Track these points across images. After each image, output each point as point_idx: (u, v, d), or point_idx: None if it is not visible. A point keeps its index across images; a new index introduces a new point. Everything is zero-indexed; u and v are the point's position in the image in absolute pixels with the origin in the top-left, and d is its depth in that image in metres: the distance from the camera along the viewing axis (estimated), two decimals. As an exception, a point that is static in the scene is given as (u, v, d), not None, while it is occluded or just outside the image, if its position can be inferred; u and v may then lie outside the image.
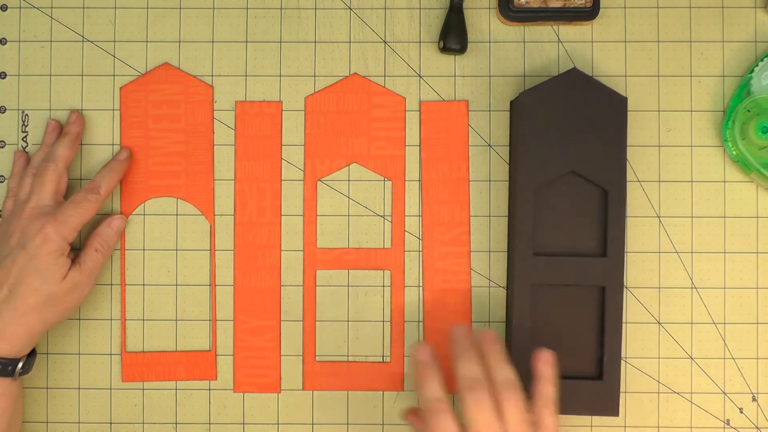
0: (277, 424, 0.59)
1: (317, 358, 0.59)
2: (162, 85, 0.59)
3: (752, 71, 0.57)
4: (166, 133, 0.59)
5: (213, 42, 0.59)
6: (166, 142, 0.59)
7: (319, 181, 0.59)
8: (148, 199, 0.59)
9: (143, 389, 0.59)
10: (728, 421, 0.58)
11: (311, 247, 0.59)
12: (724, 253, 0.58)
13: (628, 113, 0.57)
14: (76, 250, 0.58)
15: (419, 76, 0.59)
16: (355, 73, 0.59)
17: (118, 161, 0.58)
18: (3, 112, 0.59)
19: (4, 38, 0.59)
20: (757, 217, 0.58)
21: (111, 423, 0.59)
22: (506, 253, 0.59)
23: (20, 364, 0.53)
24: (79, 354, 0.59)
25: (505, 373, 0.48)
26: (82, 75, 0.59)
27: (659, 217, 0.58)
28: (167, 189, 0.59)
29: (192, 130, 0.59)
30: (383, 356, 0.59)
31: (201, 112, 0.59)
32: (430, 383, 0.49)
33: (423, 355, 0.51)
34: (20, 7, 0.59)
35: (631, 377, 0.58)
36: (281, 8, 0.59)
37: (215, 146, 0.59)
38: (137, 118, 0.59)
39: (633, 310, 0.58)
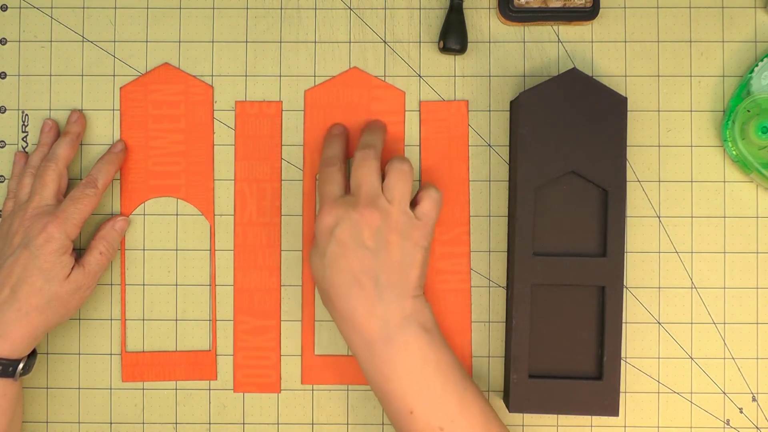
0: (277, 424, 0.59)
1: (316, 353, 0.59)
2: (162, 85, 0.59)
3: (752, 71, 0.57)
4: (167, 133, 0.59)
5: (213, 42, 0.59)
6: (166, 142, 0.59)
7: (318, 182, 0.59)
8: (148, 199, 0.59)
9: (143, 389, 0.59)
10: (728, 421, 0.58)
11: (311, 243, 0.59)
12: (724, 253, 0.58)
13: (628, 113, 0.57)
14: (77, 250, 0.58)
15: (419, 76, 0.59)
16: (354, 67, 0.59)
17: (114, 153, 0.58)
18: (3, 112, 0.59)
19: (4, 38, 0.59)
20: (757, 217, 0.58)
21: (111, 423, 0.59)
22: (506, 253, 0.59)
23: (21, 365, 0.53)
24: (79, 354, 0.59)
25: (369, 142, 0.54)
26: (82, 75, 0.59)
27: (659, 217, 0.58)
28: (167, 189, 0.59)
29: (192, 130, 0.59)
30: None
31: (201, 112, 0.59)
32: (333, 146, 0.56)
33: (337, 129, 0.57)
34: (20, 7, 0.59)
35: (631, 377, 0.58)
36: (281, 8, 0.59)
37: (215, 146, 0.59)
38: (137, 118, 0.59)
39: (633, 310, 0.58)
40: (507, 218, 0.59)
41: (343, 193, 0.53)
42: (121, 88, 0.59)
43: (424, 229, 0.52)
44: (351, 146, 0.58)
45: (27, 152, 0.59)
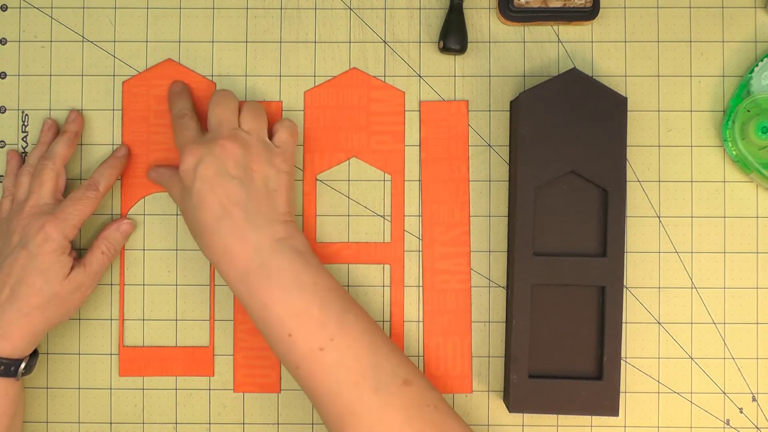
0: (277, 424, 0.59)
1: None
2: (165, 81, 0.59)
3: (752, 71, 0.57)
4: (168, 128, 0.59)
5: (213, 42, 0.59)
6: (167, 137, 0.59)
7: (318, 181, 0.59)
8: (149, 194, 0.59)
9: (143, 389, 0.59)
10: (728, 421, 0.58)
11: (311, 242, 0.59)
12: (724, 253, 0.58)
13: (628, 113, 0.57)
14: (78, 250, 0.58)
15: (419, 76, 0.59)
16: (354, 68, 0.59)
17: (117, 157, 0.58)
18: (3, 112, 0.59)
19: (4, 38, 0.59)
20: (757, 217, 0.58)
21: (111, 423, 0.59)
22: (506, 253, 0.59)
23: (22, 365, 0.53)
24: (79, 354, 0.59)
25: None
26: (82, 75, 0.59)
27: (659, 217, 0.58)
28: (167, 188, 0.59)
29: (192, 129, 0.59)
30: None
31: (203, 109, 0.59)
32: (179, 100, 0.57)
33: (177, 86, 0.58)
34: (20, 7, 0.59)
35: (631, 377, 0.58)
36: (281, 8, 0.59)
37: (215, 146, 0.59)
38: (139, 113, 0.59)
39: (633, 310, 0.58)
40: (507, 218, 0.59)
41: (199, 136, 0.54)
42: (123, 83, 0.59)
43: (284, 155, 0.53)
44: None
45: (24, 151, 0.59)
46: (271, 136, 0.55)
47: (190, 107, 0.56)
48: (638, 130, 0.58)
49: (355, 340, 0.50)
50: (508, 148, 0.59)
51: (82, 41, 0.59)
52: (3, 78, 0.59)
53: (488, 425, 0.58)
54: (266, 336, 0.51)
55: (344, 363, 0.49)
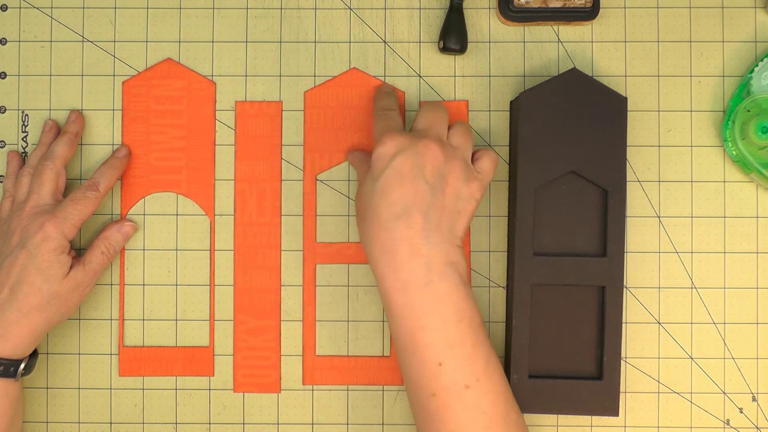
0: (277, 424, 0.59)
1: (317, 353, 0.59)
2: (165, 81, 0.59)
3: (752, 71, 0.57)
4: (168, 128, 0.59)
5: (213, 42, 0.59)
6: (167, 137, 0.59)
7: (318, 181, 0.59)
8: (149, 194, 0.59)
9: (143, 389, 0.59)
10: (728, 421, 0.58)
11: (311, 241, 0.59)
12: (724, 253, 0.58)
13: (628, 113, 0.57)
14: (78, 250, 0.58)
15: (419, 76, 0.59)
16: (354, 68, 0.59)
17: (117, 158, 0.58)
18: (3, 112, 0.59)
19: (4, 38, 0.59)
20: (757, 217, 0.58)
21: (111, 423, 0.59)
22: (506, 253, 0.59)
23: (22, 365, 0.53)
24: (79, 354, 0.59)
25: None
26: (82, 75, 0.59)
27: (659, 217, 0.58)
28: (168, 184, 0.59)
29: (194, 126, 0.59)
30: (383, 351, 0.59)
31: (203, 108, 0.59)
32: (388, 98, 0.56)
33: (388, 87, 0.57)
34: (20, 7, 0.59)
35: (631, 377, 0.58)
36: (281, 8, 0.59)
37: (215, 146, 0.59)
38: (139, 113, 0.59)
39: (633, 310, 0.58)
40: (507, 218, 0.59)
41: (403, 131, 0.51)
42: (123, 83, 0.59)
43: (481, 182, 0.51)
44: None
45: (25, 152, 0.59)
46: (474, 160, 0.53)
47: (397, 107, 0.55)
48: (638, 130, 0.58)
49: (496, 384, 0.49)
50: (508, 148, 0.59)
51: (82, 41, 0.59)
52: (3, 78, 0.59)
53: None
54: (408, 355, 0.49)
55: (483, 405, 0.49)
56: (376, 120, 0.54)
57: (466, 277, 0.50)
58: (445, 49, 0.57)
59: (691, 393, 0.58)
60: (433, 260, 0.48)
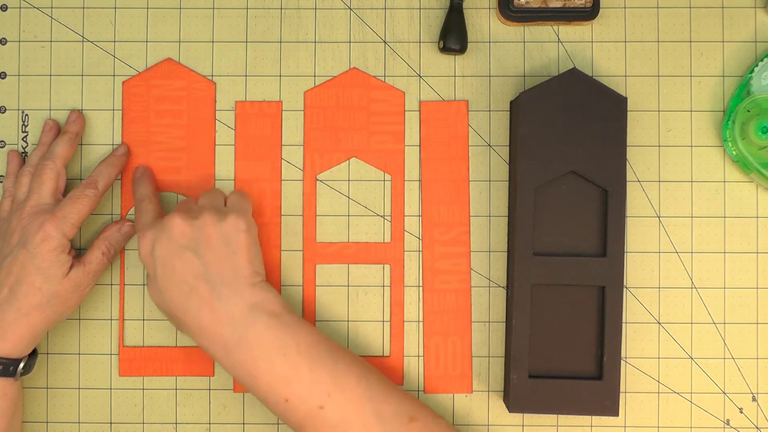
0: (277, 424, 0.59)
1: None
2: (165, 81, 0.59)
3: (752, 71, 0.57)
4: (168, 128, 0.59)
5: (213, 42, 0.59)
6: (167, 137, 0.59)
7: (318, 181, 0.59)
8: (149, 197, 0.59)
9: (143, 389, 0.59)
10: (728, 421, 0.58)
11: (311, 241, 0.59)
12: (724, 253, 0.58)
13: (628, 113, 0.57)
14: (78, 250, 0.58)
15: (419, 76, 0.59)
16: (354, 68, 0.59)
17: (116, 156, 0.58)
18: (3, 112, 0.59)
19: (4, 38, 0.59)
20: (757, 217, 0.58)
21: (111, 423, 0.59)
22: (506, 253, 0.59)
23: (21, 365, 0.53)
24: (79, 354, 0.59)
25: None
26: (82, 75, 0.59)
27: (659, 217, 0.58)
28: (168, 184, 0.59)
29: (194, 126, 0.59)
30: (383, 351, 0.59)
31: (203, 108, 0.59)
32: (141, 185, 0.57)
33: (139, 172, 0.58)
34: (20, 7, 0.59)
35: (631, 377, 0.58)
36: (281, 8, 0.59)
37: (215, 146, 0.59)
38: (139, 113, 0.59)
39: (633, 310, 0.58)
40: (507, 218, 0.59)
41: (156, 220, 0.53)
42: (123, 83, 0.59)
43: (237, 213, 0.52)
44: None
45: (25, 151, 0.59)
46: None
47: (150, 191, 0.56)
48: (638, 130, 0.58)
49: (352, 391, 0.50)
50: (508, 148, 0.59)
51: (82, 41, 0.59)
52: (3, 78, 0.59)
53: (488, 425, 0.58)
54: (263, 402, 0.51)
55: (347, 418, 0.49)
56: (135, 216, 0.55)
57: (279, 307, 0.51)
58: (445, 49, 0.57)
59: (691, 393, 0.58)
60: (234, 315, 0.50)
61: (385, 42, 0.59)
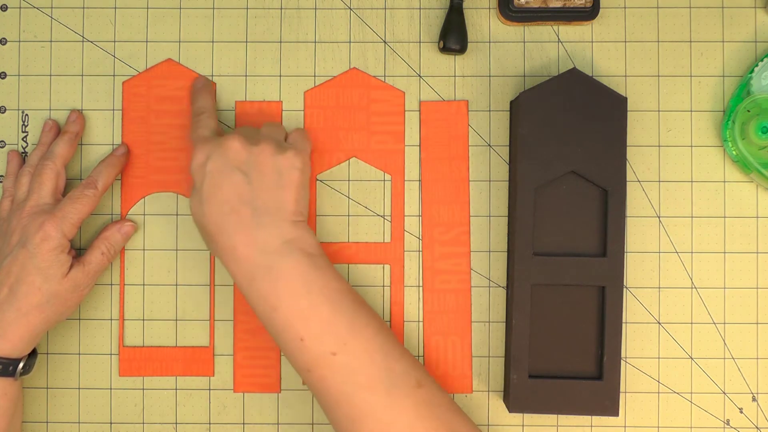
0: (277, 424, 0.59)
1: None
2: (165, 81, 0.59)
3: (752, 71, 0.57)
4: (168, 128, 0.59)
5: (213, 42, 0.59)
6: (167, 137, 0.59)
7: (318, 181, 0.59)
8: (149, 194, 0.59)
9: (143, 389, 0.59)
10: (728, 421, 0.58)
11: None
12: (724, 253, 0.58)
13: (628, 113, 0.57)
14: (78, 250, 0.58)
15: (419, 76, 0.59)
16: (354, 68, 0.59)
17: (116, 156, 0.58)
18: (3, 112, 0.59)
19: (4, 38, 0.59)
20: (757, 217, 0.58)
21: (111, 423, 0.59)
22: (506, 253, 0.59)
23: (21, 364, 0.53)
24: (79, 354, 0.59)
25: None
26: (82, 75, 0.59)
27: (659, 217, 0.58)
28: (168, 184, 0.59)
29: (192, 129, 0.59)
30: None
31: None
32: (200, 97, 0.56)
33: (200, 82, 0.58)
34: (20, 7, 0.59)
35: (631, 377, 0.58)
36: (281, 8, 0.59)
37: (215, 146, 0.59)
38: (139, 113, 0.59)
39: (633, 310, 0.58)
40: (507, 218, 0.59)
41: (214, 135, 0.53)
42: (123, 83, 0.59)
43: (295, 149, 0.52)
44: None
45: (25, 151, 0.59)
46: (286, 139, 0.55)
47: (210, 105, 0.56)
48: (638, 130, 0.58)
49: (367, 342, 0.50)
50: (508, 148, 0.59)
51: (82, 41, 0.59)
52: (3, 78, 0.59)
53: (488, 425, 0.58)
54: (276, 338, 0.51)
55: (357, 367, 0.49)
56: (191, 127, 0.55)
57: (314, 249, 0.51)
58: (445, 49, 0.57)
59: (691, 393, 0.58)
60: (269, 244, 0.50)
61: (385, 42, 0.59)
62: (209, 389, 0.59)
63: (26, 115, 0.59)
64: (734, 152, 0.57)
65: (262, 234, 0.50)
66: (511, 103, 0.58)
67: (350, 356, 0.49)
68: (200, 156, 0.51)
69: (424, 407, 0.49)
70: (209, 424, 0.59)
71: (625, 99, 0.54)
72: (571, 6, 0.57)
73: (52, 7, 0.59)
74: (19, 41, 0.59)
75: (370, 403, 0.48)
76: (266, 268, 0.50)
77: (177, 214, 0.59)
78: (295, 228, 0.51)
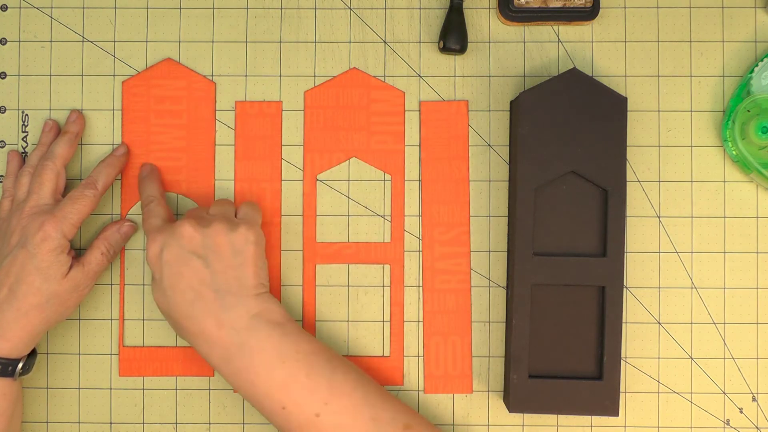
0: (277, 424, 0.59)
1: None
2: (164, 81, 0.59)
3: (752, 71, 0.57)
4: (168, 128, 0.59)
5: (213, 42, 0.59)
6: (167, 137, 0.59)
7: (318, 182, 0.59)
8: (149, 197, 0.59)
9: (143, 389, 0.59)
10: (728, 421, 0.58)
11: (311, 241, 0.59)
12: (724, 253, 0.58)
13: (628, 113, 0.57)
14: (78, 250, 0.58)
15: (419, 76, 0.59)
16: (354, 68, 0.59)
17: (116, 156, 0.58)
18: (3, 112, 0.59)
19: (4, 38, 0.59)
20: (757, 217, 0.58)
21: (111, 423, 0.59)
22: (506, 253, 0.59)
23: (20, 365, 0.53)
24: (79, 354, 0.59)
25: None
26: (82, 75, 0.59)
27: (659, 217, 0.58)
28: (168, 184, 0.59)
29: (194, 126, 0.59)
30: (383, 351, 0.59)
31: (203, 108, 0.59)
32: (148, 185, 0.57)
33: (145, 170, 0.58)
34: (20, 7, 0.59)
35: (631, 377, 0.58)
36: (281, 8, 0.59)
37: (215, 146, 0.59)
38: (139, 113, 0.59)
39: (633, 310, 0.58)
40: (507, 218, 0.59)
41: (166, 223, 0.54)
42: (123, 83, 0.59)
43: (247, 224, 0.53)
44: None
45: (25, 151, 0.59)
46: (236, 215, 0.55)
47: (158, 192, 0.56)
48: (638, 130, 0.58)
49: (349, 398, 0.50)
50: (508, 148, 0.59)
51: (82, 41, 0.59)
52: (3, 78, 0.59)
53: (488, 425, 0.58)
54: (260, 410, 0.51)
55: (342, 424, 0.49)
56: (142, 217, 0.56)
57: (281, 317, 0.52)
58: (445, 49, 0.57)
59: (691, 393, 0.58)
60: (236, 322, 0.51)
61: (385, 42, 0.59)
62: (209, 389, 0.59)
63: (26, 115, 0.59)
64: (734, 152, 0.57)
65: (228, 314, 0.51)
66: (511, 103, 0.58)
67: (334, 415, 0.50)
68: (155, 247, 0.52)
69: None
70: (209, 424, 0.59)
71: (625, 99, 0.54)
72: (571, 6, 0.57)
73: (52, 7, 0.59)
74: (19, 41, 0.59)
75: None
76: (238, 346, 0.50)
77: (177, 214, 0.59)
78: (260, 301, 0.52)
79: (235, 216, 0.54)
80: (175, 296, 0.51)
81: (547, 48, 0.59)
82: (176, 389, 0.59)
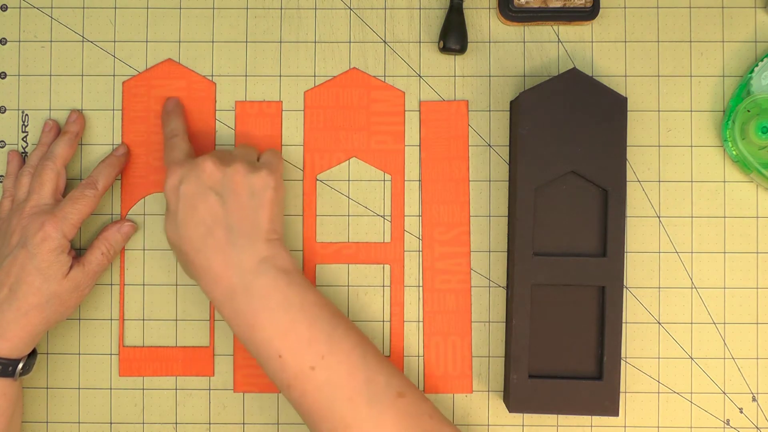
0: (277, 424, 0.59)
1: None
2: (165, 81, 0.59)
3: (752, 71, 0.57)
4: (167, 131, 0.59)
5: (213, 42, 0.59)
6: (167, 139, 0.59)
7: (318, 181, 0.59)
8: (149, 194, 0.59)
9: (143, 389, 0.59)
10: (728, 421, 0.58)
11: (311, 241, 0.59)
12: (724, 253, 0.58)
13: (628, 113, 0.57)
14: (78, 250, 0.58)
15: (419, 76, 0.59)
16: (354, 68, 0.59)
17: (116, 156, 0.58)
18: (3, 112, 0.59)
19: (4, 38, 0.59)
20: (757, 217, 0.58)
21: (111, 423, 0.59)
22: (506, 253, 0.59)
23: (21, 365, 0.53)
24: (79, 354, 0.59)
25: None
26: (82, 75, 0.59)
27: (659, 217, 0.58)
28: (167, 188, 0.59)
29: (194, 126, 0.59)
30: (383, 351, 0.58)
31: (203, 109, 0.59)
32: (171, 120, 0.57)
33: (170, 104, 0.58)
34: (20, 7, 0.59)
35: (631, 377, 0.58)
36: (281, 8, 0.59)
37: (215, 146, 0.59)
38: (139, 113, 0.59)
39: (633, 310, 0.58)
40: (507, 218, 0.59)
41: (187, 158, 0.54)
42: (123, 83, 0.59)
43: (268, 168, 0.53)
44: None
45: (25, 151, 0.59)
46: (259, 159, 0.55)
47: (182, 127, 0.56)
48: (638, 130, 0.58)
49: (346, 355, 0.50)
50: (508, 148, 0.59)
51: (82, 41, 0.59)
52: (3, 78, 0.59)
53: (488, 425, 0.58)
54: (255, 356, 0.51)
55: (337, 380, 0.49)
56: (164, 150, 0.56)
57: (290, 266, 0.51)
58: (445, 49, 0.57)
59: (691, 393, 0.58)
60: (245, 263, 0.50)
61: (385, 42, 0.59)
62: (209, 389, 0.59)
63: (26, 115, 0.59)
64: (734, 152, 0.57)
65: (238, 254, 0.50)
66: (511, 103, 0.58)
67: (329, 370, 0.49)
68: (174, 178, 0.52)
69: (406, 417, 0.49)
70: (209, 424, 0.59)
71: (625, 99, 0.54)
72: (571, 6, 0.57)
73: (52, 7, 0.59)
74: (19, 41, 0.59)
75: (352, 415, 0.48)
76: (243, 288, 0.50)
77: (177, 214, 0.59)
78: (271, 246, 0.51)
79: (258, 161, 0.54)
80: (187, 229, 0.51)
81: (547, 48, 0.59)
82: (176, 389, 0.59)
